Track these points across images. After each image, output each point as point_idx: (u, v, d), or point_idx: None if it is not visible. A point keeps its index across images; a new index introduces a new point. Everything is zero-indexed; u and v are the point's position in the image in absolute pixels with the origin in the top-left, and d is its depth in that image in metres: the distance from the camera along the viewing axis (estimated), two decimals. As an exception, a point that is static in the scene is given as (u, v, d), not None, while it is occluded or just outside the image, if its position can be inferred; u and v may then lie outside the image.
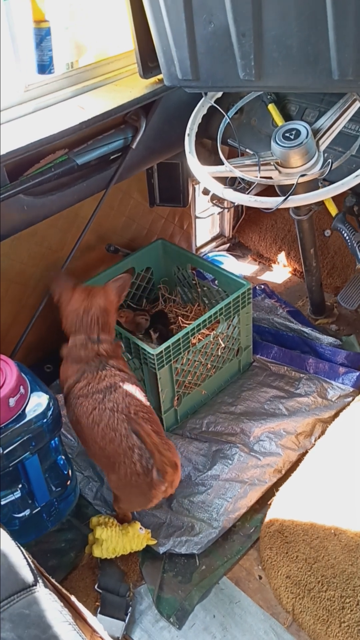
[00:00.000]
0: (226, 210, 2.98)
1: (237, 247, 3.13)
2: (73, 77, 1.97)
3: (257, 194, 1.87)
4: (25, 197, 1.80)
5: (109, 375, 1.77)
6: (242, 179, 1.82)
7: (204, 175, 1.77)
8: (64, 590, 1.44)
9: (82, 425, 1.76)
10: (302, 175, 1.68)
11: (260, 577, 1.80)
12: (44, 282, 2.21)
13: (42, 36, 1.81)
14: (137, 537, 1.82)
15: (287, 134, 1.72)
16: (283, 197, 1.64)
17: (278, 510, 1.85)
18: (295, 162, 1.73)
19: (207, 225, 3.09)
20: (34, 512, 1.82)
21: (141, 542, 1.83)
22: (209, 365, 2.20)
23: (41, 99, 1.89)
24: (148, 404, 1.77)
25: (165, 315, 2.44)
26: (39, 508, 1.83)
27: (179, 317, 2.43)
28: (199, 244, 3.05)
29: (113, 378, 1.76)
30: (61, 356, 1.86)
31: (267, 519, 1.85)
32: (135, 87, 1.98)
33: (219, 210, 2.96)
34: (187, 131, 1.85)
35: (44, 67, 1.85)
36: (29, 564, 1.38)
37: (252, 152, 1.87)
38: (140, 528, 1.84)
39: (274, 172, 1.79)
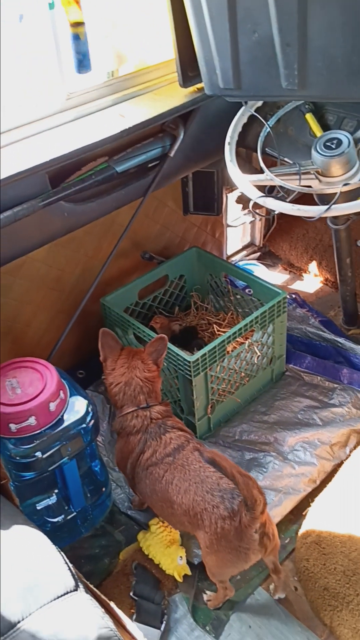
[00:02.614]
0: (259, 219, 2.98)
1: (267, 256, 3.13)
2: (113, 85, 1.99)
3: (292, 203, 1.87)
4: (66, 203, 1.82)
5: (175, 438, 1.72)
6: (282, 188, 1.82)
7: (245, 184, 1.78)
8: (102, 596, 1.44)
9: (156, 492, 1.68)
10: (345, 184, 1.68)
11: (297, 589, 1.78)
12: (80, 287, 2.24)
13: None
14: (171, 561, 1.81)
15: (329, 143, 1.72)
16: (325, 206, 1.64)
17: (314, 521, 1.83)
18: (336, 171, 1.73)
19: (238, 233, 3.09)
20: (69, 517, 1.83)
21: (171, 568, 1.80)
22: (243, 374, 2.20)
23: (82, 107, 1.92)
24: None
25: (196, 329, 2.44)
26: (74, 513, 1.84)
27: (213, 325, 2.44)
28: (229, 253, 3.05)
29: (179, 439, 1.71)
30: (115, 431, 1.83)
31: (302, 530, 1.84)
32: (174, 96, 1.99)
33: (251, 219, 2.96)
34: (228, 140, 1.86)
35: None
36: (70, 568, 1.39)
37: (291, 162, 1.87)
38: (180, 557, 1.80)
39: (314, 181, 1.79)
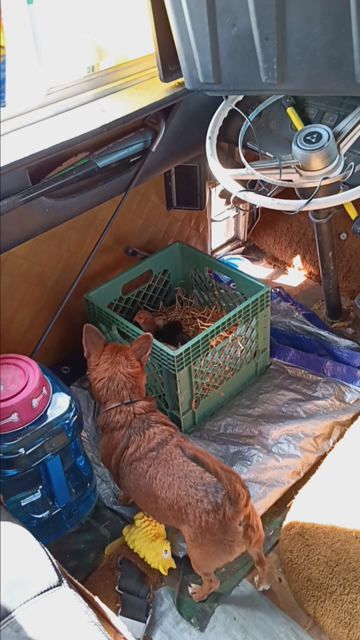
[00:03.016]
0: (242, 213, 2.98)
1: (252, 251, 3.14)
2: (94, 80, 1.98)
3: (275, 197, 1.88)
4: (47, 199, 1.81)
5: (158, 432, 1.71)
6: (263, 182, 1.82)
7: (225, 178, 1.78)
8: (87, 591, 1.45)
9: (140, 487, 1.68)
10: (325, 178, 1.69)
11: (281, 580, 1.80)
12: (62, 283, 2.23)
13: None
14: (156, 555, 1.81)
15: (309, 137, 1.72)
16: (305, 200, 1.64)
17: (298, 513, 1.85)
18: (316, 165, 1.73)
19: (222, 228, 3.09)
20: (54, 513, 1.84)
21: (156, 561, 1.81)
22: (227, 368, 2.20)
23: (63, 102, 1.90)
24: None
25: (180, 324, 2.44)
26: (59, 509, 1.84)
27: (197, 320, 2.44)
28: (214, 247, 3.05)
29: (162, 434, 1.71)
30: (99, 427, 1.83)
31: (286, 522, 1.85)
32: (155, 90, 1.99)
33: (235, 213, 2.97)
34: (209, 134, 1.86)
35: None
36: (53, 564, 1.39)
37: (272, 156, 1.88)
38: (165, 551, 1.81)
39: (294, 175, 1.79)
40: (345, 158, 1.79)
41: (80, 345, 1.89)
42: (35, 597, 1.31)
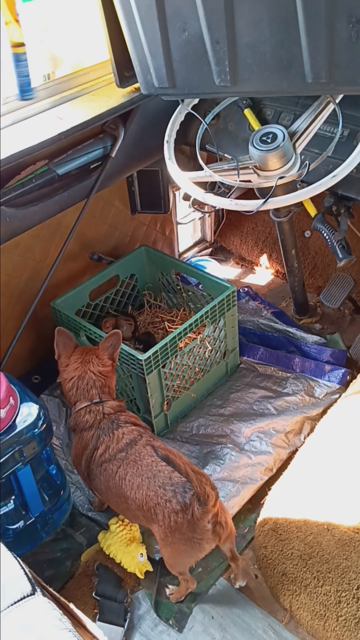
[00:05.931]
0: (207, 215, 3.00)
1: (219, 251, 3.16)
2: (50, 88, 1.98)
3: (237, 198, 1.90)
4: (7, 208, 1.80)
5: (127, 432, 1.71)
6: (222, 183, 1.85)
7: (184, 181, 1.79)
8: (62, 599, 1.44)
9: (111, 488, 1.69)
10: (281, 178, 1.71)
11: (257, 576, 1.81)
12: (29, 292, 2.23)
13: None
14: (132, 559, 1.82)
15: (264, 138, 1.75)
16: (263, 200, 1.66)
17: (271, 509, 1.87)
18: (273, 165, 1.76)
19: (189, 230, 3.11)
20: (28, 523, 1.82)
21: (132, 565, 1.81)
22: (197, 369, 2.22)
23: (19, 111, 1.90)
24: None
25: (152, 335, 2.45)
26: (33, 519, 1.83)
27: (166, 322, 2.45)
28: (181, 250, 3.07)
29: (131, 434, 1.71)
30: (70, 428, 1.83)
31: (260, 518, 1.87)
32: (112, 96, 1.99)
33: (200, 215, 2.99)
34: (166, 138, 1.88)
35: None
36: (26, 573, 1.38)
37: (230, 157, 1.90)
38: (141, 554, 1.82)
39: (252, 176, 1.82)
40: (302, 157, 1.82)
41: (50, 353, 1.89)
42: (8, 607, 1.30)
